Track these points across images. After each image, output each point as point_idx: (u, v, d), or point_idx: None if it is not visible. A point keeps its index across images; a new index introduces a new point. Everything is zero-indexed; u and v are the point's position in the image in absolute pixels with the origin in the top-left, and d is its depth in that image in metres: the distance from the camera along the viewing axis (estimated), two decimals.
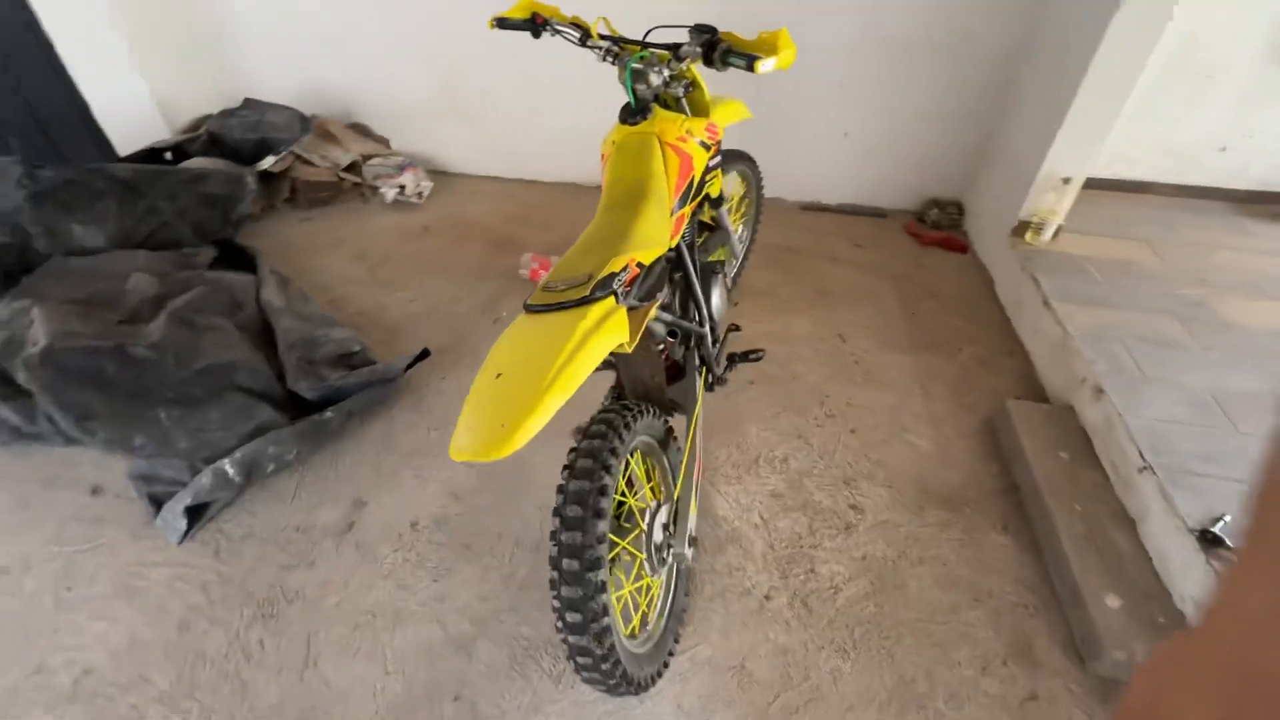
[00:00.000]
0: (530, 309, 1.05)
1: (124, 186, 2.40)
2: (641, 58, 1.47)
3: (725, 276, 1.69)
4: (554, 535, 1.05)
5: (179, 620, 1.47)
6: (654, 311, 1.22)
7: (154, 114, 3.09)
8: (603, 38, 1.51)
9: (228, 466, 1.66)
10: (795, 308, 2.48)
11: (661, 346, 1.36)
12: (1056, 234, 2.43)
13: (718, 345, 1.70)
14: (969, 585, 1.57)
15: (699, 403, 1.48)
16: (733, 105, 1.84)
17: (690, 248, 1.56)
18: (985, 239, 2.77)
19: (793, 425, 1.98)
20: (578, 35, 1.52)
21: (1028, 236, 2.43)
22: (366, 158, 3.23)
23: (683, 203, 1.45)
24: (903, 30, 2.66)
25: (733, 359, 1.74)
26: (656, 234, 1.30)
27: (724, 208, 1.98)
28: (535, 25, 1.55)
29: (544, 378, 0.88)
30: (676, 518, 1.31)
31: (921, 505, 1.75)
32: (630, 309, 1.17)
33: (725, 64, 1.33)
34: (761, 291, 2.56)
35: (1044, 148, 2.29)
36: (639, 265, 1.17)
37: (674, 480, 1.37)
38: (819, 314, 2.45)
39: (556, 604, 1.04)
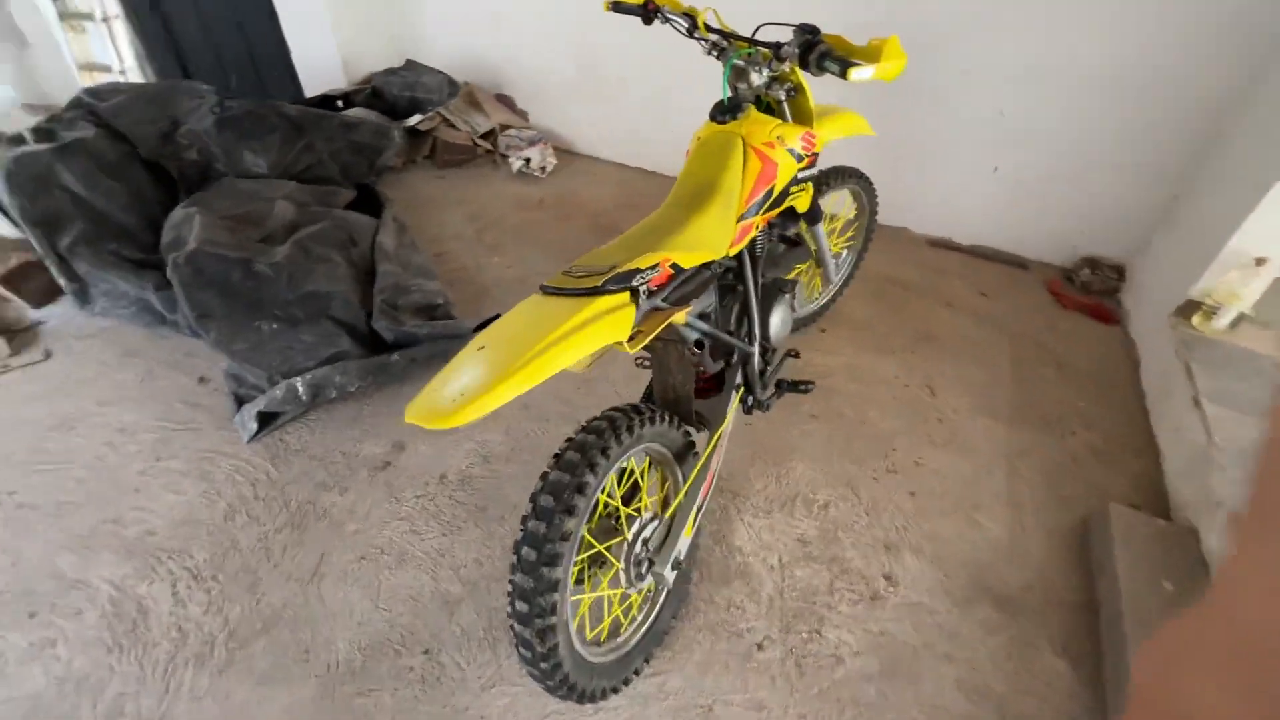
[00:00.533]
0: (544, 290, 1.03)
1: (290, 124, 2.71)
2: (747, 55, 1.40)
3: (793, 298, 1.57)
4: (523, 520, 1.03)
5: (227, 508, 1.65)
6: (682, 317, 1.16)
7: (336, 66, 3.48)
8: (710, 30, 1.45)
9: (299, 384, 1.82)
10: (888, 347, 2.26)
11: (695, 356, 1.29)
12: (1236, 323, 2.01)
13: (769, 368, 1.59)
14: (999, 703, 1.35)
15: (726, 422, 1.39)
16: (846, 118, 1.70)
17: (755, 260, 1.46)
18: (1143, 313, 2.35)
19: (845, 472, 1.81)
20: (686, 26, 1.48)
21: (1195, 319, 2.03)
22: (504, 128, 3.40)
23: (756, 211, 1.37)
24: (1091, 63, 2.31)
25: (780, 386, 1.61)
26: (710, 238, 1.23)
27: (820, 226, 1.85)
28: (647, 12, 1.52)
29: (517, 360, 0.86)
30: (667, 536, 1.25)
31: (969, 597, 1.53)
32: (653, 310, 1.11)
33: (820, 68, 1.23)
34: (855, 324, 2.37)
35: (1238, 217, 1.89)
36: (674, 267, 1.11)
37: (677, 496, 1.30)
38: (913, 359, 2.22)
39: (509, 588, 1.03)
